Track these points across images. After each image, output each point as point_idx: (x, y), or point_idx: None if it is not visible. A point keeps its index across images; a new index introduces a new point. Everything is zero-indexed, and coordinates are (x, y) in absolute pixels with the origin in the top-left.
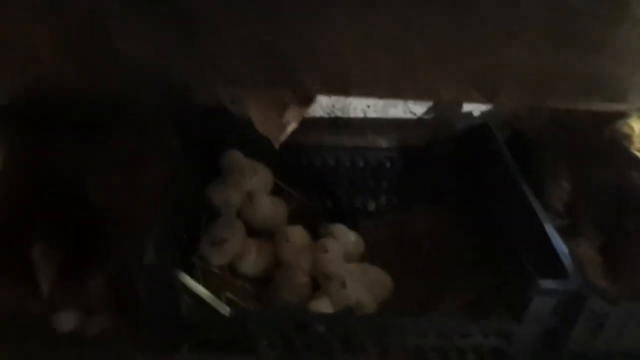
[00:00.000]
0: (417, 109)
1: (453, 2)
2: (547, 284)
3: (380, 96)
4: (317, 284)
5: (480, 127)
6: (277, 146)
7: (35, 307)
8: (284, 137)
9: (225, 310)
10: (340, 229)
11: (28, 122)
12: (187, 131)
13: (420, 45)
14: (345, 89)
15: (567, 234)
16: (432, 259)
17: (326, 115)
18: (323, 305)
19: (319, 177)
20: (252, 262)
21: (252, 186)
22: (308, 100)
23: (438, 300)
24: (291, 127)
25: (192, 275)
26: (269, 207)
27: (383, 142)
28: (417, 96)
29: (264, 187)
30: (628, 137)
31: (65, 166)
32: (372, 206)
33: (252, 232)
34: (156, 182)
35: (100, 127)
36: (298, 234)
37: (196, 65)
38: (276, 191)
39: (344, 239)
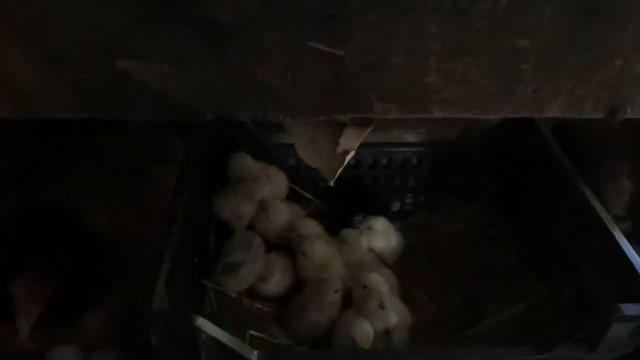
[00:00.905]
0: None
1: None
2: (630, 309)
3: (472, 114)
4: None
5: (519, 118)
6: (331, 182)
7: (11, 348)
8: (340, 168)
9: (252, 354)
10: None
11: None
12: (191, 135)
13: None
14: (425, 108)
15: (629, 240)
16: (469, 266)
17: None
18: (366, 330)
19: (338, 178)
20: (275, 284)
21: (265, 194)
22: (367, 123)
23: (478, 315)
24: (349, 156)
25: (203, 301)
26: (285, 217)
27: (409, 137)
28: (517, 112)
29: (279, 194)
30: None
31: (56, 183)
32: (396, 206)
33: (268, 244)
34: (161, 195)
35: (94, 131)
36: (321, 247)
37: (237, 93)
38: (290, 196)
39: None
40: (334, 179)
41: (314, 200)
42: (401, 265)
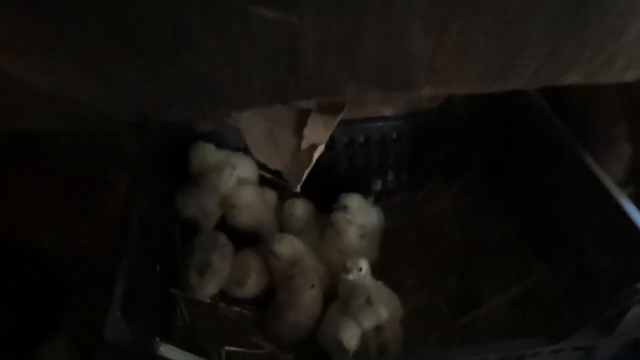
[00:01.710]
0: None
1: None
2: None
3: (472, 89)
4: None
5: None
6: (297, 188)
7: None
8: (308, 169)
9: None
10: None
11: None
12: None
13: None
14: (412, 84)
15: None
16: (461, 247)
17: None
18: (353, 333)
19: None
20: (252, 286)
21: (232, 185)
22: (338, 108)
23: (475, 299)
24: (318, 151)
25: (173, 311)
26: (258, 208)
27: (386, 110)
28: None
29: (248, 183)
30: None
31: None
32: (377, 186)
33: (244, 240)
34: (117, 203)
35: (40, 137)
36: (289, 243)
37: (160, 92)
38: (263, 184)
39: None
40: (300, 183)
41: (284, 185)
42: (387, 249)
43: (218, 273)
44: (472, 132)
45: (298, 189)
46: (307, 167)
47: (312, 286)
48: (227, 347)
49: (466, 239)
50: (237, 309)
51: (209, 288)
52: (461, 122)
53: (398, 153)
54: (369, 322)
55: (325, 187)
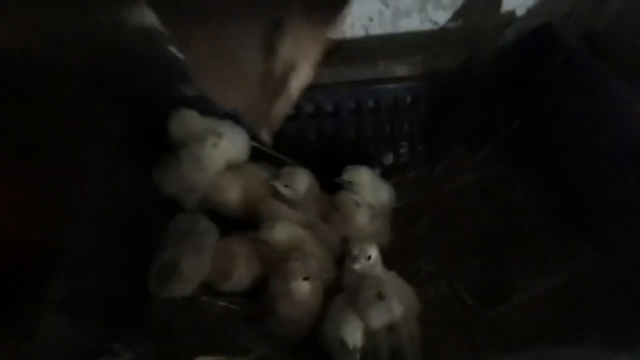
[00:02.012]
0: (439, 15)
1: None
2: None
3: None
4: None
5: (539, 31)
6: (268, 138)
7: None
8: (285, 108)
9: None
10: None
11: None
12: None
13: None
14: None
15: None
16: (487, 228)
17: None
18: (357, 330)
19: (314, 129)
20: (241, 278)
21: (219, 158)
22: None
23: (504, 289)
24: (301, 81)
25: (150, 309)
26: (248, 186)
27: (399, 70)
28: None
29: (237, 157)
30: None
31: None
32: (389, 159)
33: (234, 224)
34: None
35: None
36: (283, 230)
37: None
38: (254, 157)
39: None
40: (274, 131)
41: (285, 160)
42: (399, 232)
43: (195, 268)
44: (500, 93)
45: (268, 139)
46: (284, 106)
47: (306, 278)
48: (199, 358)
49: (493, 219)
50: (223, 303)
51: (184, 287)
52: (485, 84)
53: (413, 120)
54: (380, 320)
55: (328, 162)
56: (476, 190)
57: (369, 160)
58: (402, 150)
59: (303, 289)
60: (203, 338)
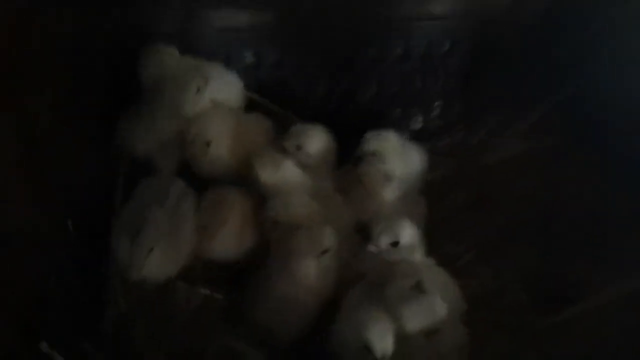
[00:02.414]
0: None
1: None
2: None
3: None
4: None
5: None
6: None
7: None
8: None
9: None
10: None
11: None
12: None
13: None
14: None
15: None
16: (540, 208)
17: None
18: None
19: (324, 79)
20: (228, 238)
21: (203, 107)
22: None
23: (573, 286)
24: None
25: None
26: (243, 144)
27: (436, 7)
28: None
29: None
30: None
31: None
32: (417, 123)
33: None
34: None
35: None
36: (299, 203)
37: None
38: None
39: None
40: None
41: (286, 114)
42: (431, 210)
43: (170, 251)
44: (556, 39)
45: None
46: None
47: (325, 251)
48: None
49: (548, 198)
50: (204, 290)
51: (158, 270)
52: (541, 25)
53: (449, 73)
54: (419, 321)
55: (343, 121)
56: (523, 162)
57: (391, 124)
58: (433, 113)
59: (314, 264)
60: (170, 335)
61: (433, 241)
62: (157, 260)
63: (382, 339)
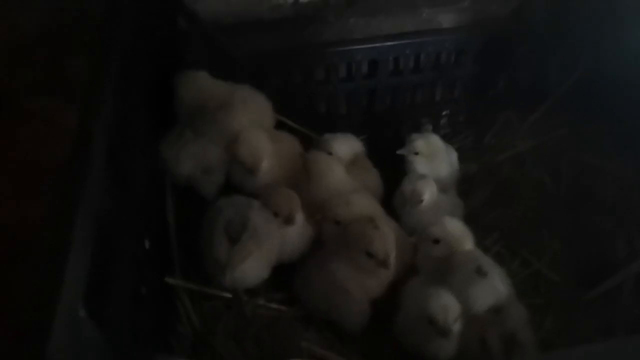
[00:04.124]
0: None
1: None
2: None
3: None
4: None
5: None
6: None
7: None
8: None
9: None
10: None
11: None
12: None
13: None
14: None
15: None
16: (556, 198)
17: None
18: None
19: (343, 96)
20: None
21: (240, 127)
22: None
23: (602, 263)
24: None
25: (176, 313)
26: (279, 159)
27: (445, 19)
28: None
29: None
30: None
31: None
32: (428, 128)
33: None
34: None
35: None
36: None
37: None
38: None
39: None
40: None
41: (309, 133)
42: None
43: (257, 263)
44: (556, 42)
45: None
46: None
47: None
48: None
49: (561, 187)
50: (273, 305)
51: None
52: (541, 31)
53: (457, 80)
54: (484, 300)
55: (359, 132)
56: (533, 156)
57: (405, 133)
58: (444, 115)
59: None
60: (255, 344)
61: None
62: (255, 264)
63: (445, 310)
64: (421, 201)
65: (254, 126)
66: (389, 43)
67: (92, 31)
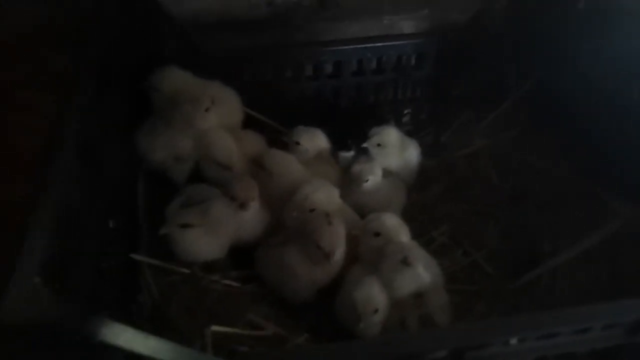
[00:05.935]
0: None
1: None
2: None
3: None
4: None
5: None
6: None
7: None
8: None
9: None
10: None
11: None
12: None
13: None
14: None
15: None
16: (502, 194)
17: None
18: (370, 293)
19: (311, 93)
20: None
21: (209, 123)
22: None
23: (530, 257)
24: None
25: (138, 285)
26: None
27: (406, 26)
28: None
29: (229, 122)
30: None
31: None
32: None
33: None
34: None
35: None
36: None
37: None
38: (247, 125)
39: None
40: None
41: (278, 128)
42: (408, 201)
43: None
44: (512, 49)
45: None
46: None
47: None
48: (213, 327)
49: (508, 185)
50: (227, 281)
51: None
52: (498, 38)
53: (418, 82)
54: (407, 287)
55: (327, 128)
56: (487, 155)
57: (368, 129)
58: (404, 119)
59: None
60: (206, 315)
61: (412, 226)
62: (208, 240)
63: (373, 297)
64: (366, 181)
65: (222, 122)
66: (352, 46)
67: (80, 28)
